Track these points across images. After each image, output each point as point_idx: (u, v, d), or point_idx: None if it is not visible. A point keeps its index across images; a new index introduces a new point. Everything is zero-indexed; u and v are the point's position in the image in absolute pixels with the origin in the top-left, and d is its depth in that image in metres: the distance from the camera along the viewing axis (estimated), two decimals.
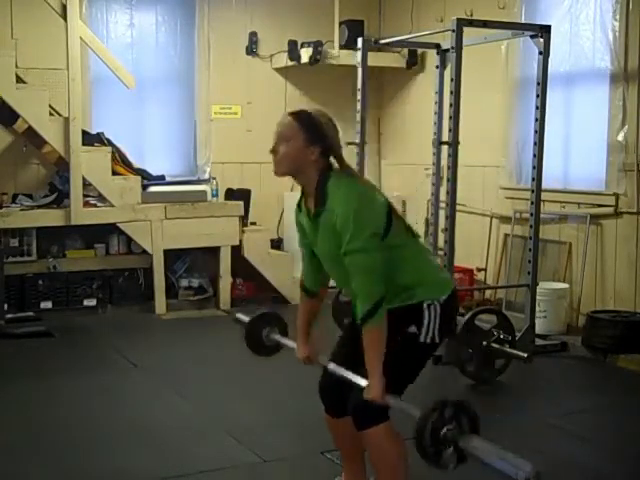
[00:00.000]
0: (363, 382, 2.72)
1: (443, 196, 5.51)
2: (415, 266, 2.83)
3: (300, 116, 2.80)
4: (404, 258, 2.79)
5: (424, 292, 2.80)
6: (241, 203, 7.05)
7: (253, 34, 7.63)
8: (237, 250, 7.03)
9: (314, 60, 7.23)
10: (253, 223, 7.31)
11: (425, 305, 2.78)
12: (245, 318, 3.34)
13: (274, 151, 2.79)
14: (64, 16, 6.27)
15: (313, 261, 2.99)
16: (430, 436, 2.37)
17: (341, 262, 2.73)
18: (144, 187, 6.77)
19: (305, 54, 7.30)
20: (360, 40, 5.99)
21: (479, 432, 2.40)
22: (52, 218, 6.44)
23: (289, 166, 2.80)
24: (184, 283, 7.04)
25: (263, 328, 3.30)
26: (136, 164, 6.95)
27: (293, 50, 7.41)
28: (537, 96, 5.12)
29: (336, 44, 7.36)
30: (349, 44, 7.17)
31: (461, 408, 2.41)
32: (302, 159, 2.77)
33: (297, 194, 2.96)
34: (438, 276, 2.90)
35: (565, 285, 6.07)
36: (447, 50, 5.46)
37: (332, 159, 2.83)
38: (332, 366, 2.94)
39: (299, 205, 2.93)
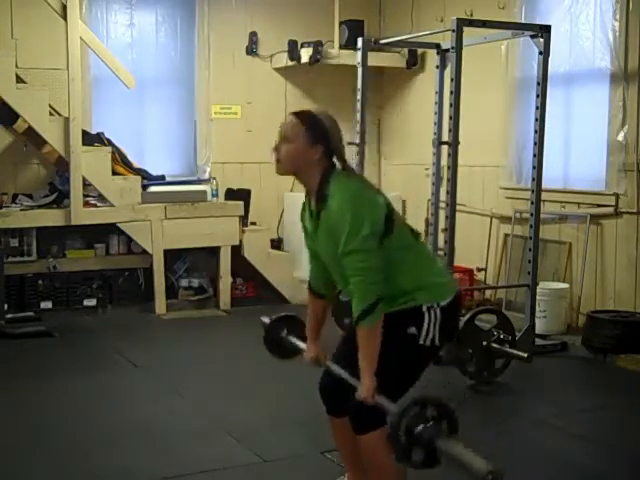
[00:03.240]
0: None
1: (443, 196, 5.50)
2: (416, 269, 2.81)
3: (304, 116, 2.81)
4: (404, 261, 2.77)
5: (424, 296, 2.77)
6: (241, 203, 7.05)
7: (253, 34, 7.63)
8: (237, 250, 7.03)
9: (314, 60, 7.23)
10: (253, 223, 7.32)
11: (425, 308, 2.76)
12: (267, 319, 3.32)
13: (277, 149, 2.81)
14: (64, 16, 6.27)
15: (318, 262, 2.97)
16: (404, 433, 2.36)
17: (340, 262, 2.73)
18: (144, 187, 6.77)
19: (305, 54, 7.30)
20: (360, 40, 5.98)
21: (457, 433, 2.37)
22: (52, 218, 6.44)
23: (291, 165, 2.81)
24: (184, 283, 7.04)
25: (282, 329, 3.26)
26: (136, 164, 6.95)
27: (293, 50, 7.41)
28: (537, 96, 5.12)
29: (336, 44, 7.36)
30: (349, 44, 7.17)
31: (441, 408, 2.39)
32: (305, 159, 2.77)
33: (298, 194, 2.96)
34: (440, 280, 2.87)
35: (565, 285, 6.07)
36: (447, 50, 5.45)
37: (335, 160, 2.83)
38: (335, 367, 2.94)
39: (304, 204, 2.92)
